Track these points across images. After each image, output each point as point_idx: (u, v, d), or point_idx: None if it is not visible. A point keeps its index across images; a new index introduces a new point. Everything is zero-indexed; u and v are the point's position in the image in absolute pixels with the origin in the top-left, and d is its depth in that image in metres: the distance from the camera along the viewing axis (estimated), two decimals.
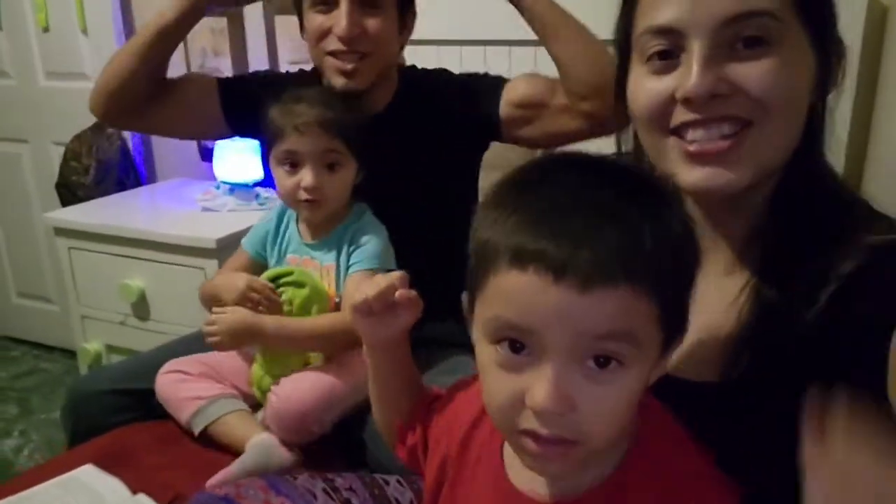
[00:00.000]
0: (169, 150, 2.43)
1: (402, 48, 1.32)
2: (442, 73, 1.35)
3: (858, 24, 1.37)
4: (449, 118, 1.28)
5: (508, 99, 1.25)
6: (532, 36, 1.22)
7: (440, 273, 0.88)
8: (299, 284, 1.16)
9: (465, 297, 0.60)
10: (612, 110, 0.77)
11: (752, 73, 0.63)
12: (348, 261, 1.19)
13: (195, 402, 1.17)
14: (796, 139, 0.67)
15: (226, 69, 2.18)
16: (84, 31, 2.35)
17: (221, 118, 1.34)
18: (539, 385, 0.50)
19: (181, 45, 2.22)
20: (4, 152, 2.62)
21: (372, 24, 1.17)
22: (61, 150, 2.35)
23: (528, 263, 0.49)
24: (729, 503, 0.57)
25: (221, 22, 2.16)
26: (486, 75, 1.33)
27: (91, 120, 2.29)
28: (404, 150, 1.26)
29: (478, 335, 0.56)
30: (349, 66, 1.19)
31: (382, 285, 0.71)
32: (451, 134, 1.28)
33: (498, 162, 1.66)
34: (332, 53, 1.19)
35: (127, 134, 2.36)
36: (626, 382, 0.52)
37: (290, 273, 1.18)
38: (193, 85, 1.36)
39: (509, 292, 0.51)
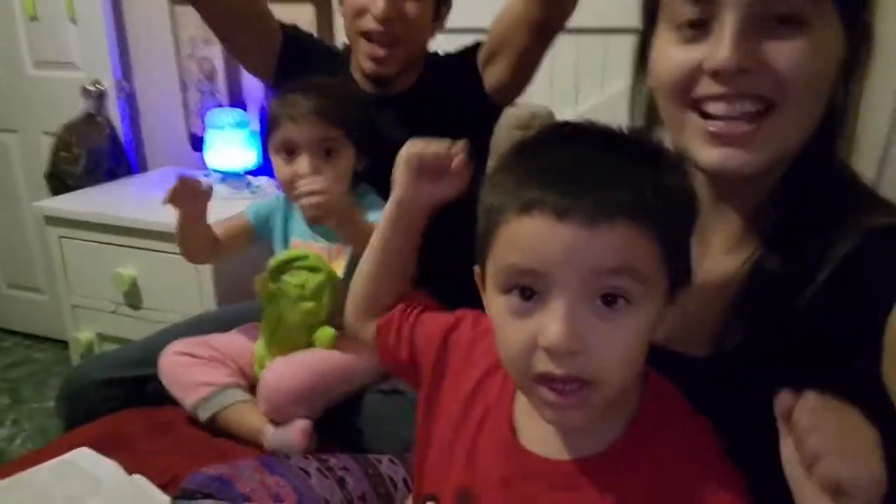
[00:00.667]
0: (160, 138, 2.43)
1: (432, 36, 1.33)
2: (456, 53, 1.37)
3: None
4: (457, 94, 1.30)
5: (483, 49, 1.28)
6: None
7: (452, 253, 0.89)
8: (314, 269, 1.16)
9: (476, 270, 0.62)
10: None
11: (782, 52, 0.62)
12: None
13: (204, 389, 1.17)
14: (816, 123, 0.67)
15: (217, 59, 2.18)
16: (73, 20, 2.33)
17: (273, 64, 1.35)
18: (551, 323, 0.53)
19: (169, 35, 2.21)
20: None
21: (410, 7, 1.20)
22: (51, 139, 2.34)
23: (533, 209, 0.53)
24: (727, 494, 0.58)
25: None
26: (477, 41, 1.34)
27: (81, 109, 2.31)
28: (422, 131, 1.27)
29: (490, 292, 0.59)
30: (381, 53, 1.21)
31: (444, 148, 0.74)
32: (461, 111, 1.29)
33: (493, 149, 1.68)
34: (367, 35, 1.21)
35: (117, 122, 2.36)
36: (635, 320, 0.54)
37: (304, 257, 1.18)
38: (268, 21, 1.35)
39: (517, 238, 0.54)
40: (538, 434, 0.62)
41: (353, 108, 1.19)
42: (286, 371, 1.14)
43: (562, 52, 1.70)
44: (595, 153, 0.56)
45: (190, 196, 1.17)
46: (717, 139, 0.65)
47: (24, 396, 2.38)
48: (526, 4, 1.18)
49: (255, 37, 1.33)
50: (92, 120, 2.31)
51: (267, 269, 1.19)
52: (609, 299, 0.54)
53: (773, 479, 0.52)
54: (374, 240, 0.79)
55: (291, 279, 1.17)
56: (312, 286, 1.16)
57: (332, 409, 1.18)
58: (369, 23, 1.19)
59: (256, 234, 1.29)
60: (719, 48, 0.62)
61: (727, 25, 0.62)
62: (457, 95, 1.30)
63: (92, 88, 2.32)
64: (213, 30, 1.36)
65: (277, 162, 1.19)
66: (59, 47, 2.39)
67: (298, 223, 1.25)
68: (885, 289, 0.59)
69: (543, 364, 0.54)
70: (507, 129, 1.67)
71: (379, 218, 0.76)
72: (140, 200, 2.10)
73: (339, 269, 1.20)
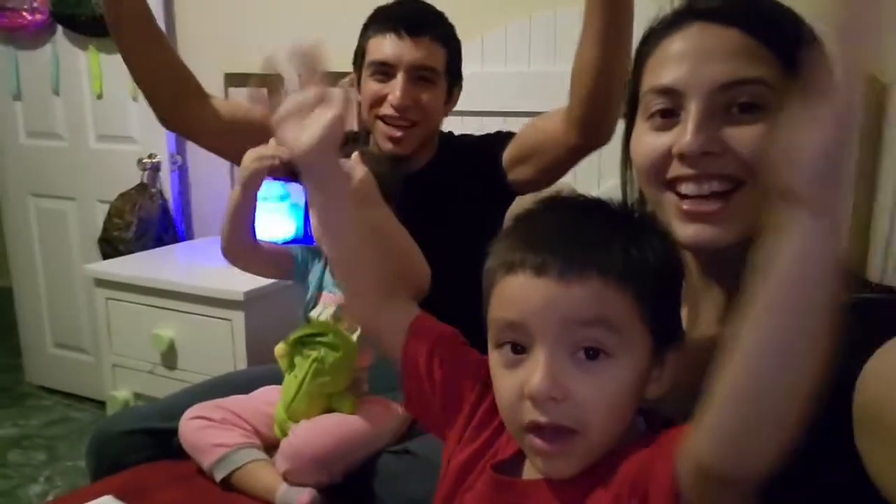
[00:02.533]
0: (206, 209, 2.56)
1: (445, 116, 1.42)
2: (470, 136, 1.46)
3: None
4: (473, 175, 1.37)
5: (510, 148, 1.35)
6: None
7: (463, 323, 0.92)
8: (333, 347, 1.20)
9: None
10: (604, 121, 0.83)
11: (743, 135, 0.68)
12: None
13: (218, 450, 1.21)
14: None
15: None
16: (134, 98, 2.51)
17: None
18: (534, 372, 0.57)
19: None
20: (53, 209, 2.77)
21: (424, 96, 1.29)
22: (105, 207, 2.49)
23: (516, 268, 0.60)
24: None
25: (261, 92, 2.29)
26: (499, 132, 1.42)
27: (136, 180, 2.45)
28: (436, 207, 1.34)
29: (489, 347, 0.64)
30: (398, 134, 1.30)
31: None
32: (477, 191, 1.37)
33: None
34: (384, 118, 1.30)
35: (168, 193, 2.50)
36: (616, 373, 0.58)
37: (324, 334, 1.21)
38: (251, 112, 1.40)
39: (503, 295, 0.61)
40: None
41: (399, 177, 1.25)
42: (310, 435, 1.16)
43: None
44: (573, 219, 0.63)
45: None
46: (690, 216, 0.71)
47: (59, 454, 2.43)
48: (566, 129, 1.23)
49: (247, 134, 1.35)
50: (145, 190, 2.45)
51: (287, 340, 1.23)
52: (591, 353, 0.58)
53: None
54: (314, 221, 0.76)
55: (311, 353, 1.20)
56: (331, 361, 1.19)
57: (351, 473, 1.20)
58: (387, 109, 1.29)
59: (295, 271, 1.32)
60: (684, 134, 0.69)
61: (691, 113, 0.69)
62: (473, 176, 1.37)
63: (147, 161, 2.47)
64: (214, 139, 1.42)
65: None
66: (120, 123, 2.57)
67: (328, 276, 1.29)
68: (851, 360, 0.60)
69: (530, 413, 0.58)
70: (530, 205, 1.72)
71: None
72: (182, 266, 2.20)
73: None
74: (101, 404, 2.34)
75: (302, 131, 0.69)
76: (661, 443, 0.57)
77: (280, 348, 1.24)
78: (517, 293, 0.59)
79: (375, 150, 1.34)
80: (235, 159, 1.39)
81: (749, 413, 0.48)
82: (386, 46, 1.28)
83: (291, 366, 1.23)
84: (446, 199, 1.37)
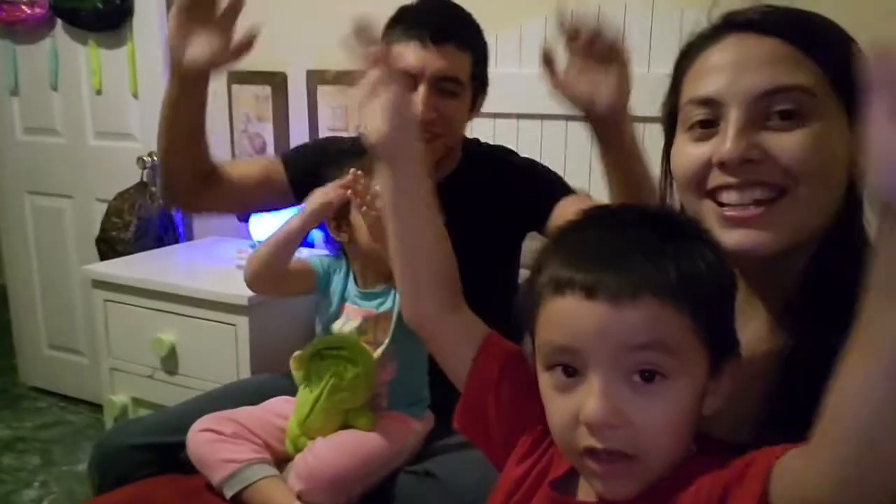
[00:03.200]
0: None
1: (469, 121, 1.37)
2: (503, 153, 1.42)
3: None
4: (503, 197, 1.33)
5: (558, 214, 1.28)
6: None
7: None
8: (352, 361, 1.16)
9: (527, 341, 0.65)
10: None
11: (783, 143, 0.67)
12: None
13: (229, 466, 1.16)
14: (833, 208, 0.70)
15: (267, 134, 2.27)
16: (135, 95, 2.47)
17: (290, 191, 1.38)
18: (589, 399, 0.55)
19: (225, 111, 2.32)
20: (49, 207, 2.72)
21: (448, 109, 1.23)
22: (103, 206, 2.43)
23: (565, 289, 0.57)
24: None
25: (266, 90, 2.26)
26: (545, 169, 1.38)
27: (135, 178, 2.40)
28: (457, 220, 1.29)
29: (538, 369, 0.62)
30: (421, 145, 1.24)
31: None
32: (502, 212, 1.33)
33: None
34: None
35: None
36: (674, 395, 0.56)
37: (343, 347, 1.17)
38: (261, 167, 1.42)
39: (553, 317, 0.59)
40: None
41: None
42: (328, 455, 1.12)
43: None
44: (621, 232, 0.60)
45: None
46: (732, 222, 0.70)
47: (54, 458, 2.38)
48: None
49: (265, 190, 1.39)
50: (145, 189, 2.39)
51: (305, 351, 1.19)
52: (647, 375, 0.56)
53: None
54: (387, 206, 0.73)
55: (329, 367, 1.16)
56: (349, 378, 1.15)
57: (367, 493, 1.16)
58: None
59: (317, 284, 1.27)
60: (724, 142, 0.68)
61: (731, 122, 0.69)
62: (503, 193, 1.33)
63: (147, 159, 2.41)
64: (235, 210, 1.44)
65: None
66: (120, 120, 2.52)
67: (353, 287, 1.25)
68: None
69: (586, 439, 0.56)
70: (574, 217, 1.70)
71: None
72: (184, 267, 2.15)
73: (382, 330, 1.19)
74: (98, 407, 2.30)
75: (374, 117, 0.69)
76: (737, 468, 0.55)
77: (295, 360, 1.19)
78: (568, 317, 0.57)
79: None
80: (241, 210, 1.37)
81: (875, 440, 0.45)
82: (409, 55, 1.21)
83: (307, 378, 1.18)
84: (470, 213, 1.32)
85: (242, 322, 1.84)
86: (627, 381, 0.56)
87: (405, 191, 0.71)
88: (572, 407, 0.57)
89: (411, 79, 1.22)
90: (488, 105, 1.82)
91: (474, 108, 1.33)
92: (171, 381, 2.00)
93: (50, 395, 2.81)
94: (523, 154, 1.45)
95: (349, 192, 1.13)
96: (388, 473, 1.17)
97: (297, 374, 1.20)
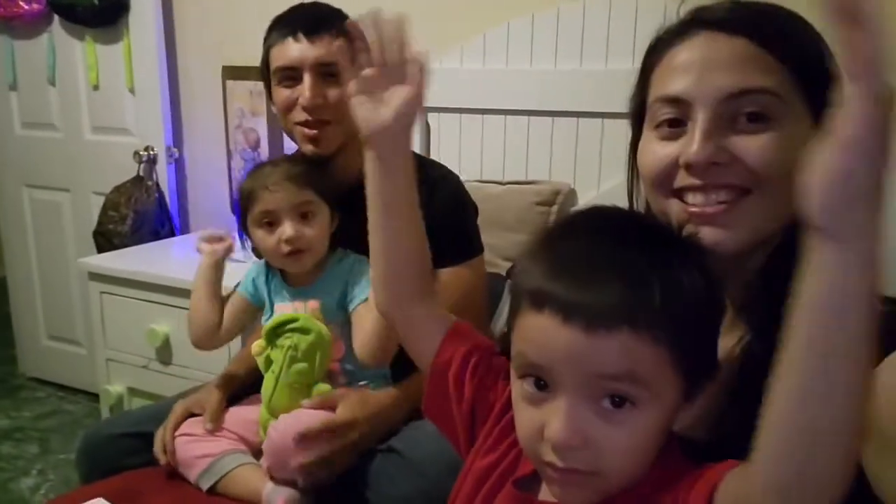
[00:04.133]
0: (203, 202, 2.55)
1: None
2: (430, 165, 1.40)
3: None
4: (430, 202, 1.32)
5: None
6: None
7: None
8: (304, 331, 1.19)
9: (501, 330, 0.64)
10: None
11: (749, 145, 0.67)
12: (345, 299, 1.22)
13: (204, 461, 1.20)
14: (793, 209, 0.70)
15: (262, 129, 2.30)
16: (131, 90, 2.50)
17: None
18: (554, 418, 0.55)
19: (220, 107, 2.34)
20: (47, 200, 2.75)
21: (333, 93, 1.26)
22: (101, 199, 2.47)
23: (543, 305, 0.55)
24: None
25: (260, 85, 2.28)
26: (467, 216, 1.37)
27: (132, 172, 2.43)
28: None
29: (511, 372, 0.61)
30: (313, 133, 1.28)
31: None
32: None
33: (515, 224, 1.72)
34: (300, 123, 1.29)
35: (165, 186, 2.48)
36: (641, 423, 0.55)
37: (295, 319, 1.20)
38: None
39: (528, 331, 0.57)
40: None
41: (318, 169, 1.27)
42: (289, 421, 1.14)
43: (587, 134, 1.77)
44: (611, 249, 0.57)
45: (215, 240, 1.31)
46: (696, 218, 0.70)
47: (52, 447, 2.42)
48: None
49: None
50: (141, 183, 2.42)
51: (261, 334, 1.22)
52: (616, 401, 0.54)
53: None
54: (370, 197, 0.73)
55: (285, 342, 1.19)
56: (304, 347, 1.18)
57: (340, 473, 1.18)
58: (299, 114, 1.27)
59: (255, 305, 1.32)
60: (691, 144, 0.69)
61: (698, 123, 0.69)
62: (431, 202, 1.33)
63: (144, 153, 2.45)
64: None
65: (259, 235, 1.24)
66: (116, 114, 2.55)
67: (279, 288, 1.29)
68: None
69: (548, 454, 0.56)
70: (529, 205, 1.72)
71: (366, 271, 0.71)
72: (179, 260, 2.18)
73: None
74: (95, 397, 2.34)
75: (379, 107, 0.69)
76: (689, 483, 0.55)
77: (257, 346, 1.23)
78: (542, 336, 0.55)
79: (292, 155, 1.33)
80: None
81: (804, 459, 0.46)
82: (287, 51, 1.27)
83: (268, 364, 1.22)
84: None
85: None
86: (596, 405, 0.54)
87: (391, 182, 0.72)
88: (538, 421, 0.56)
89: (296, 73, 1.27)
90: (476, 101, 1.86)
91: None
92: (166, 371, 2.04)
93: (48, 385, 2.85)
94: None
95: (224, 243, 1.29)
96: (363, 463, 1.18)
97: (259, 361, 1.23)
